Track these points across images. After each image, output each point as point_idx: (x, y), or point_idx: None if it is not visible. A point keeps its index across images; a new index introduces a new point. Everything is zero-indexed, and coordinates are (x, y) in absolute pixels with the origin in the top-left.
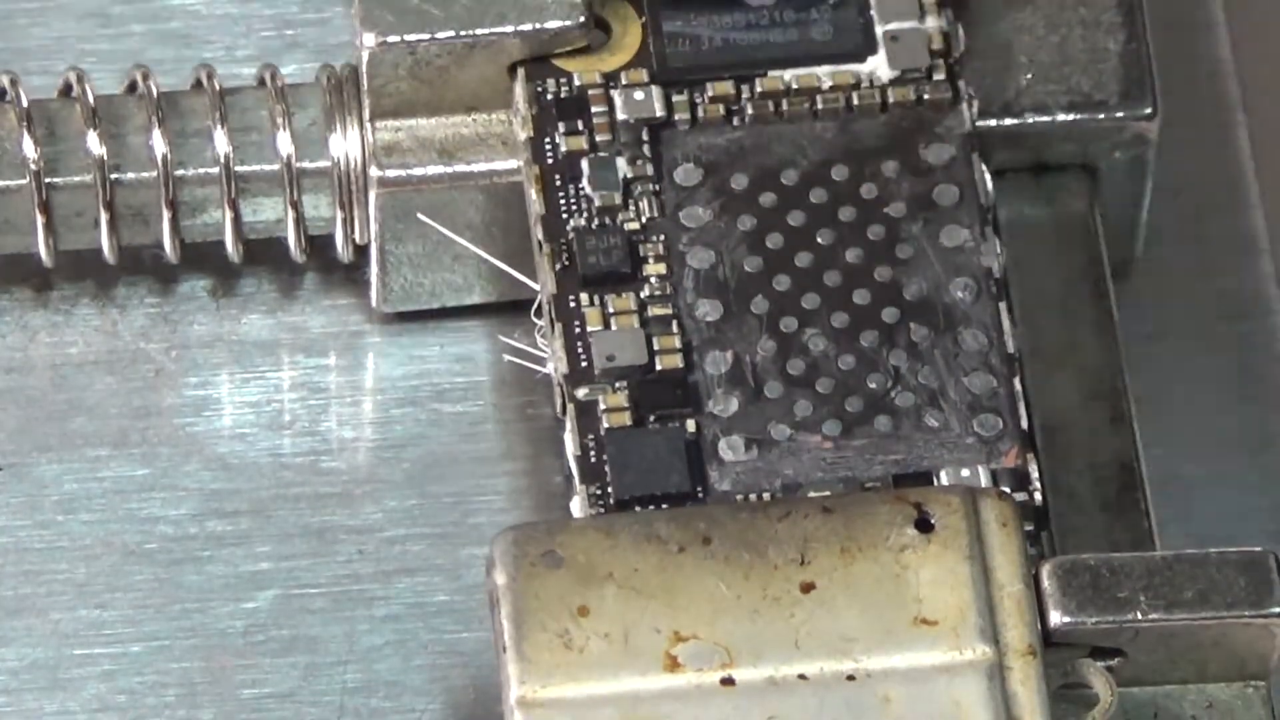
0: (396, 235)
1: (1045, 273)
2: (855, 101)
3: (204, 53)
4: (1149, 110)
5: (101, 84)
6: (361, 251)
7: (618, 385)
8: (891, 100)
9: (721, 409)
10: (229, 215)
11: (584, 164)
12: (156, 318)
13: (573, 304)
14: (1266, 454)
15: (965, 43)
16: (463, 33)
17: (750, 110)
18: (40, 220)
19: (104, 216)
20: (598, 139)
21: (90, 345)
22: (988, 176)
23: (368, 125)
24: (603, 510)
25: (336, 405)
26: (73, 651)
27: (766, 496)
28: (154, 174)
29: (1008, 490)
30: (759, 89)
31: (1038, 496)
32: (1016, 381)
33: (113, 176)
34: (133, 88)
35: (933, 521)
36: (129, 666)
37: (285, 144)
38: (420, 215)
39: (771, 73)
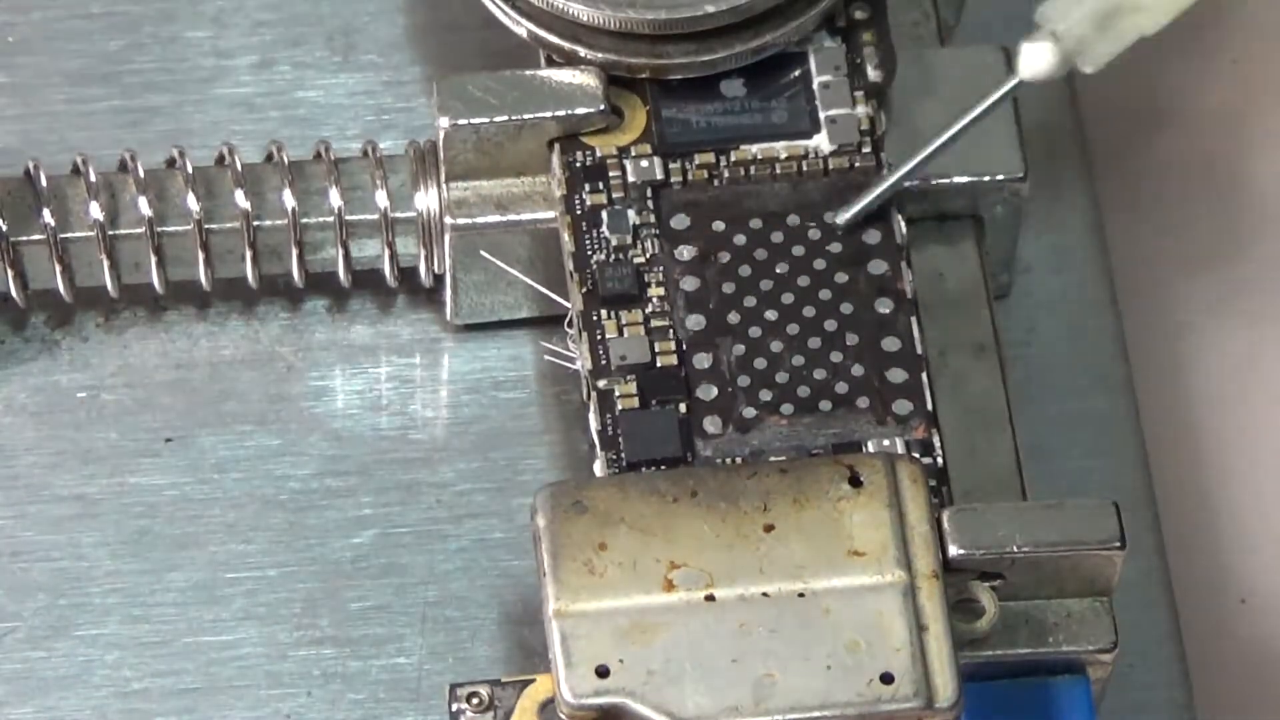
0: (465, 267)
1: (944, 294)
2: (804, 168)
3: (322, 131)
4: (1021, 175)
5: (247, 155)
6: (439, 279)
7: (628, 378)
8: (831, 167)
9: (705, 395)
10: (341, 252)
11: (604, 214)
12: (287, 328)
13: (595, 318)
14: (1109, 430)
15: (886, 124)
16: (514, 117)
17: (727, 174)
18: (201, 256)
19: (248, 253)
20: (614, 196)
21: (238, 348)
22: (902, 224)
23: (444, 185)
24: (617, 471)
25: (420, 393)
26: (224, 575)
27: (739, 460)
28: (285, 222)
29: (917, 456)
30: (733, 158)
31: (939, 460)
32: (923, 375)
33: (254, 224)
34: (269, 158)
35: (862, 479)
36: (266, 586)
37: (382, 199)
38: (483, 252)
39: (743, 146)
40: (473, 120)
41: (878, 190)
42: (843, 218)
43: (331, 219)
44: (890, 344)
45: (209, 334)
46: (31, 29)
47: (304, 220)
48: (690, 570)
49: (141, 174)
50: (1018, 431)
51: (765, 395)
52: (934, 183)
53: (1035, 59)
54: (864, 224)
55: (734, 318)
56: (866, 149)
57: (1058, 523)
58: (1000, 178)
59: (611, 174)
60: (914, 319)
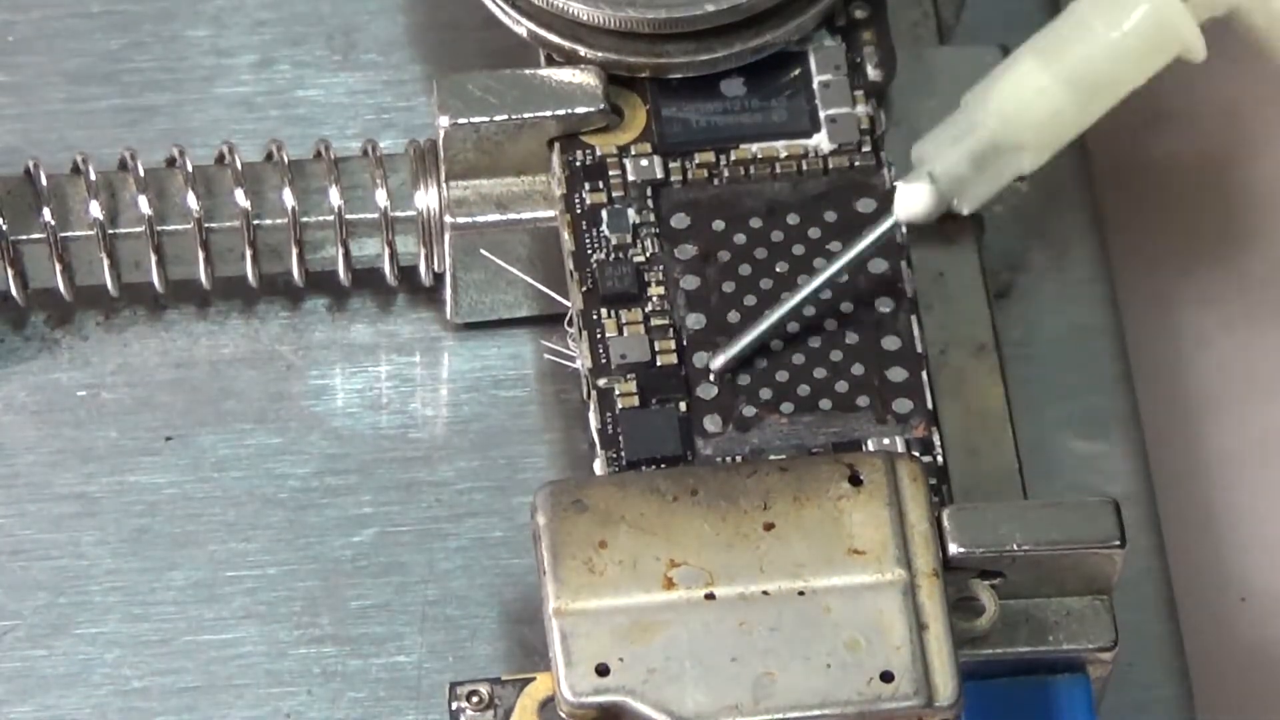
0: (465, 266)
1: (944, 293)
2: (804, 167)
3: (322, 130)
4: (1021, 174)
5: (247, 154)
6: (439, 278)
7: (628, 376)
8: (831, 166)
9: (705, 394)
10: (341, 251)
11: (604, 213)
12: (287, 327)
13: (595, 316)
14: (1109, 430)
15: (886, 123)
16: (514, 116)
17: (726, 173)
18: (201, 255)
19: (248, 252)
20: (614, 195)
21: (238, 347)
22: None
23: (444, 184)
24: (617, 469)
25: (420, 391)
26: (224, 574)
27: (739, 459)
28: (285, 221)
29: (917, 454)
30: (733, 157)
31: (939, 459)
32: (924, 374)
33: (255, 223)
34: (269, 157)
35: (862, 478)
36: (266, 585)
37: (382, 198)
38: (483, 251)
39: (742, 145)
40: (473, 119)
41: (755, 333)
42: (716, 363)
43: (331, 218)
44: (890, 343)
45: (209, 333)
46: (31, 28)
47: (304, 219)
48: (690, 569)
49: (141, 173)
50: (1018, 431)
51: (765, 394)
52: None
53: (911, 199)
54: (864, 224)
55: (734, 317)
56: (866, 148)
57: (1057, 521)
58: None
59: (611, 173)
60: (914, 318)
